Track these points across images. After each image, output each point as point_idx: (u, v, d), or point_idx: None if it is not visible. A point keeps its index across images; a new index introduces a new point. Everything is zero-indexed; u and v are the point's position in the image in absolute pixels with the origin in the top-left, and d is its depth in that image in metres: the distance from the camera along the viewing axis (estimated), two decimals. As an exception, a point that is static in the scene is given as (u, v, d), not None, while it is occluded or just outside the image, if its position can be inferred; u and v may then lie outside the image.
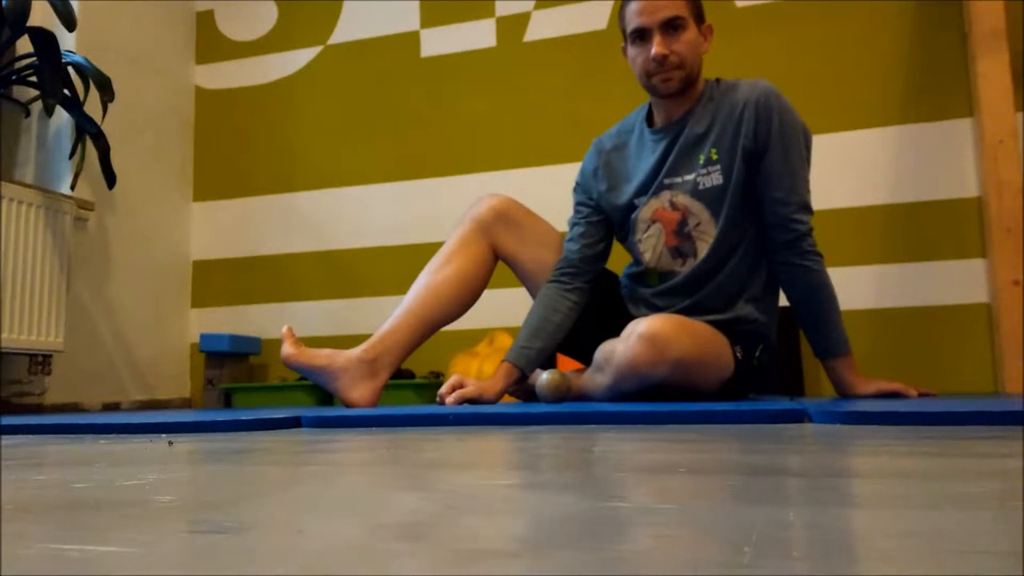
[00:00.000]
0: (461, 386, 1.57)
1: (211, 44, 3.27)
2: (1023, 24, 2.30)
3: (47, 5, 2.43)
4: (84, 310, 2.64)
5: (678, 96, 1.57)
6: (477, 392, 1.54)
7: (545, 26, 2.84)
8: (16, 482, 0.56)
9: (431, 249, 1.89)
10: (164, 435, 1.07)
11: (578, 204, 1.73)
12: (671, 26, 1.52)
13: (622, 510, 0.38)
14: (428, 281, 1.69)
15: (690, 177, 1.56)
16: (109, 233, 2.77)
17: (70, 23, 2.38)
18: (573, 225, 1.71)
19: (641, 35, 1.54)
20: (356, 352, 1.64)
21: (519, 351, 1.60)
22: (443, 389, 1.59)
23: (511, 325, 2.55)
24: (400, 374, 2.49)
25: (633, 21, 1.54)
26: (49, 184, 2.57)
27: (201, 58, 3.28)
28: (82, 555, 0.30)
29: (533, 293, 1.74)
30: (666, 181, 1.58)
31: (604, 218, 1.69)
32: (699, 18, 1.56)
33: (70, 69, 2.43)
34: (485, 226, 1.72)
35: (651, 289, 1.63)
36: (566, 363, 2.06)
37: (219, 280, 3.14)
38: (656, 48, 1.52)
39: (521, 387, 1.74)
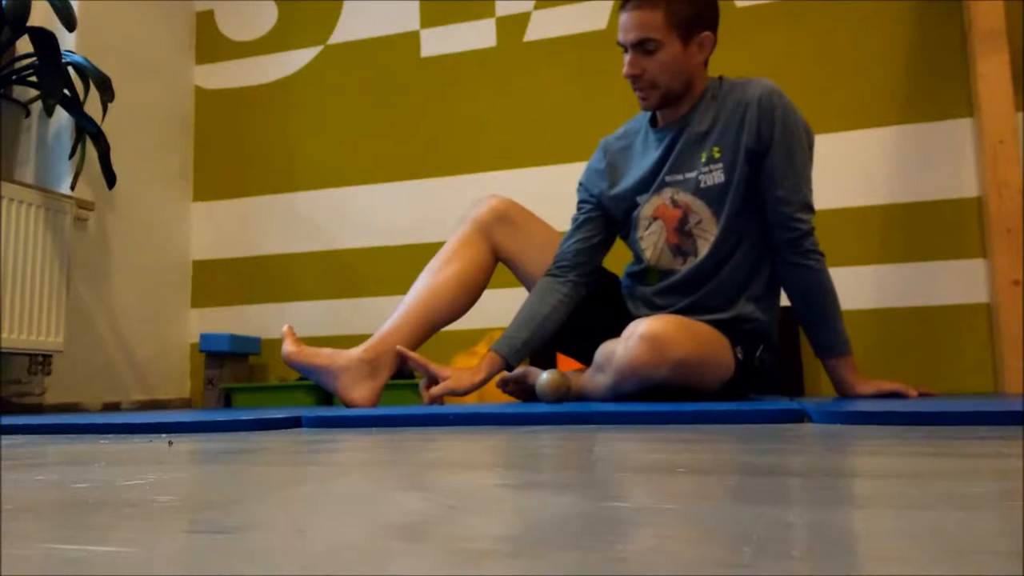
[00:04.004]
0: (435, 380, 1.57)
1: (211, 44, 3.27)
2: (1023, 24, 2.30)
3: (47, 5, 2.43)
4: (84, 310, 2.64)
5: (663, 108, 1.58)
6: (451, 385, 1.54)
7: (545, 26, 2.84)
8: (16, 482, 0.56)
9: (431, 249, 1.89)
10: (164, 435, 1.07)
11: (580, 201, 1.73)
12: (643, 48, 1.52)
13: (622, 510, 0.38)
14: (428, 281, 1.69)
15: (692, 175, 1.56)
16: (109, 233, 2.77)
17: (70, 23, 2.38)
18: (573, 221, 1.72)
19: (624, 48, 1.55)
20: (356, 352, 1.64)
21: (505, 340, 1.61)
22: (422, 384, 1.61)
23: (511, 325, 2.55)
24: (400, 374, 2.48)
25: (618, 33, 1.55)
26: (49, 184, 2.57)
27: (201, 58, 3.28)
28: (82, 555, 0.30)
29: (533, 293, 1.74)
30: (668, 178, 1.58)
31: (603, 214, 1.69)
32: (687, 31, 1.51)
33: (70, 69, 2.42)
34: (485, 227, 1.73)
35: (651, 287, 1.63)
36: (566, 363, 2.06)
37: (219, 280, 3.14)
38: (625, 67, 1.54)
39: (521, 387, 1.74)
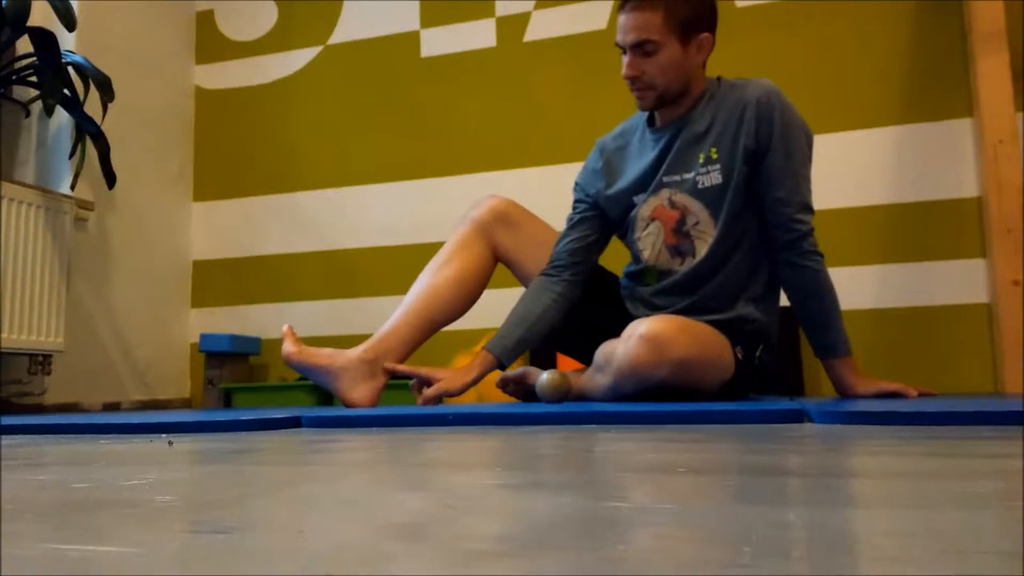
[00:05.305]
0: (428, 383, 1.58)
1: (211, 44, 3.27)
2: (1023, 24, 2.30)
3: (47, 5, 2.43)
4: (84, 310, 2.64)
5: (660, 108, 1.58)
6: (443, 387, 1.55)
7: (545, 26, 2.84)
8: (16, 482, 0.56)
9: (431, 249, 1.89)
10: (164, 435, 1.07)
11: (576, 201, 1.73)
12: (641, 49, 1.51)
13: (622, 510, 0.38)
14: (428, 282, 1.70)
15: (689, 176, 1.56)
16: (109, 233, 2.77)
17: (70, 23, 2.38)
18: (568, 220, 1.72)
19: (622, 49, 1.55)
20: (356, 352, 1.64)
21: (498, 339, 1.61)
22: (412, 387, 1.62)
23: (511, 325, 2.55)
24: (400, 375, 2.48)
25: (616, 34, 1.55)
26: (49, 184, 2.57)
27: (201, 58, 3.28)
28: (82, 555, 0.30)
29: (533, 293, 1.74)
30: (665, 179, 1.58)
31: (598, 214, 1.69)
32: (686, 33, 1.51)
33: (70, 69, 2.42)
34: (485, 227, 1.73)
35: (650, 288, 1.63)
36: (566, 363, 2.06)
37: (219, 280, 3.14)
38: (624, 69, 1.54)
39: (521, 387, 1.74)
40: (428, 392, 1.57)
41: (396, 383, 2.43)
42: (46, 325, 2.37)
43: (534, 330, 1.62)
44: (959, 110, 2.39)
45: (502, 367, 1.63)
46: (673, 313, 1.54)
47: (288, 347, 1.63)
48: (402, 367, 1.64)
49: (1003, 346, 2.15)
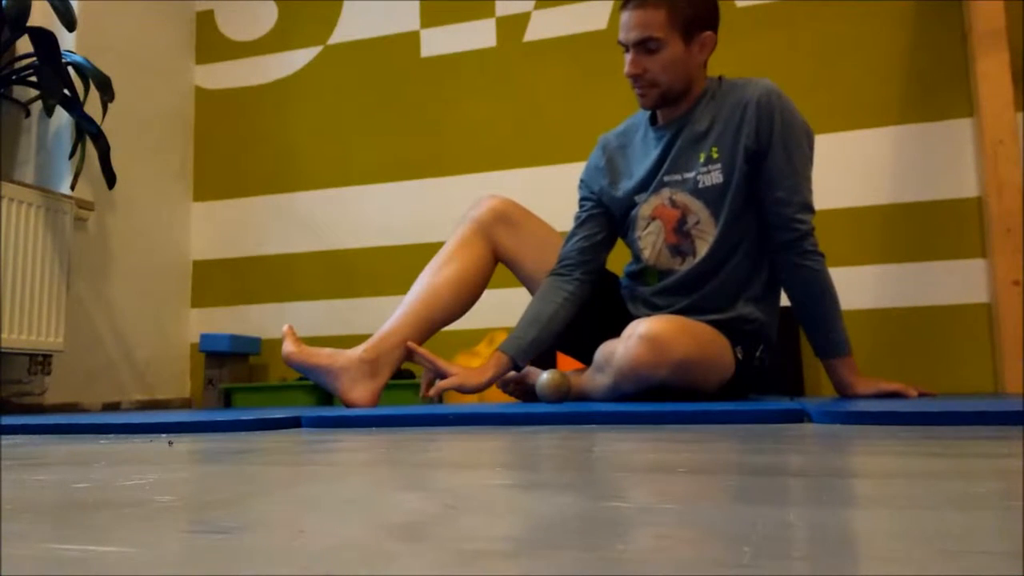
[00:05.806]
0: (442, 376, 1.57)
1: (211, 44, 3.27)
2: (1023, 24, 2.30)
3: (47, 5, 2.43)
4: (84, 310, 2.64)
5: (662, 107, 1.58)
6: (458, 382, 1.55)
7: (545, 26, 2.84)
8: (16, 482, 0.56)
9: (431, 249, 1.89)
10: (164, 435, 1.07)
11: (581, 199, 1.73)
12: (644, 47, 1.52)
13: (622, 510, 0.38)
14: (428, 281, 1.69)
15: (690, 175, 1.56)
16: (109, 233, 2.77)
17: (70, 23, 2.38)
18: (576, 219, 1.72)
19: (625, 47, 1.55)
20: (357, 352, 1.64)
21: (512, 340, 1.61)
22: (423, 380, 1.62)
23: (511, 325, 2.53)
24: (400, 374, 2.49)
25: (619, 32, 1.55)
26: (49, 184, 2.57)
27: (201, 58, 3.28)
28: (82, 555, 0.30)
29: (533, 293, 1.74)
30: (666, 179, 1.58)
31: (605, 211, 1.69)
32: (688, 31, 1.51)
33: (70, 69, 2.43)
34: (485, 227, 1.73)
35: (650, 288, 1.63)
36: (566, 363, 2.06)
37: (219, 280, 3.14)
38: (627, 67, 1.54)
39: (521, 387, 1.74)
40: (443, 383, 1.56)
41: (396, 383, 2.43)
42: (46, 325, 2.37)
43: (547, 330, 1.62)
44: (959, 110, 2.39)
45: (517, 368, 1.63)
46: (673, 313, 1.54)
47: (288, 347, 1.63)
48: (421, 350, 1.63)
49: (1003, 346, 2.15)
